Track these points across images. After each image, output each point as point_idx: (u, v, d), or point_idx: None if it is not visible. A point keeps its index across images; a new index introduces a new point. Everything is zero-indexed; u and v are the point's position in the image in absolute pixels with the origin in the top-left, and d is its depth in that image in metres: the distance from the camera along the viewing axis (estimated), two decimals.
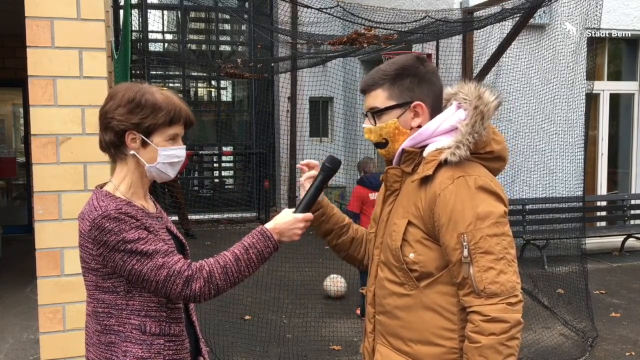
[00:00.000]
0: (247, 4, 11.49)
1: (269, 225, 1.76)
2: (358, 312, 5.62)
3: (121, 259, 1.61)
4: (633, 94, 8.84)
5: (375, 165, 5.68)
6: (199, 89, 12.52)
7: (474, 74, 6.08)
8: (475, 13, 6.24)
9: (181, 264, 1.64)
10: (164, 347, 1.69)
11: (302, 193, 1.87)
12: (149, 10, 10.77)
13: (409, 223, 1.68)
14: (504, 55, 5.98)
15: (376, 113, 1.75)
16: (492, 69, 6.01)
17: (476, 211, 1.59)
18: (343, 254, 2.02)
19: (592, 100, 8.21)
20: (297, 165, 1.99)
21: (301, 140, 10.32)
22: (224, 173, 12.40)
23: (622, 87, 8.86)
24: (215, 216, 10.04)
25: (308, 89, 9.80)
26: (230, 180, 12.46)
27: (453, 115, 1.70)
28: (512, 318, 1.55)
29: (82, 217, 1.68)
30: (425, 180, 1.67)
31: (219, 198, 10.66)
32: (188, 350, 1.78)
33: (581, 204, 7.09)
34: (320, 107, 11.26)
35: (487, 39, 6.53)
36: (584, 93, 7.59)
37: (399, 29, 5.43)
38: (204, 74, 11.66)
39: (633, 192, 8.83)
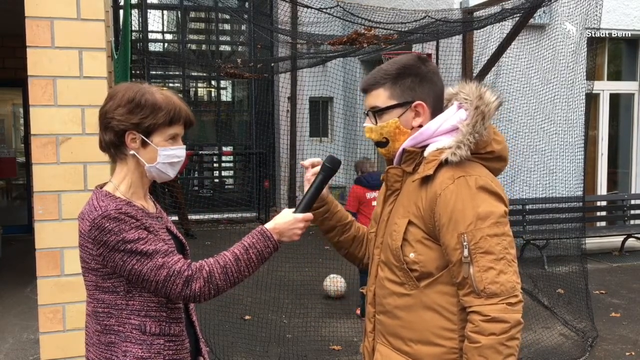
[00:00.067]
0: (247, 4, 11.49)
1: (268, 225, 1.76)
2: (358, 312, 5.62)
3: (121, 259, 1.61)
4: (633, 94, 8.84)
5: (372, 165, 5.70)
6: (199, 89, 12.52)
7: (474, 74, 6.08)
8: (475, 13, 6.24)
9: (181, 264, 1.64)
10: (164, 347, 1.69)
11: (306, 189, 1.87)
12: (148, 10, 10.77)
13: (410, 223, 1.68)
14: (504, 55, 5.98)
15: (377, 112, 1.75)
16: (492, 69, 6.01)
17: (477, 211, 1.59)
18: (344, 251, 2.03)
19: (592, 100, 8.21)
20: (301, 163, 1.99)
21: (301, 140, 10.32)
22: (224, 173, 12.39)
23: (622, 87, 8.86)
24: (215, 216, 10.03)
25: (308, 89, 9.79)
26: (230, 180, 12.45)
27: (454, 115, 1.70)
28: (512, 318, 1.55)
29: (82, 217, 1.68)
30: (426, 180, 1.67)
31: (219, 198, 10.65)
32: (188, 350, 1.78)
33: (581, 204, 7.09)
34: (320, 107, 11.26)
35: (487, 39, 6.53)
36: (584, 93, 7.59)
37: (399, 29, 5.43)
38: (204, 74, 11.66)
39: (633, 192, 8.83)
